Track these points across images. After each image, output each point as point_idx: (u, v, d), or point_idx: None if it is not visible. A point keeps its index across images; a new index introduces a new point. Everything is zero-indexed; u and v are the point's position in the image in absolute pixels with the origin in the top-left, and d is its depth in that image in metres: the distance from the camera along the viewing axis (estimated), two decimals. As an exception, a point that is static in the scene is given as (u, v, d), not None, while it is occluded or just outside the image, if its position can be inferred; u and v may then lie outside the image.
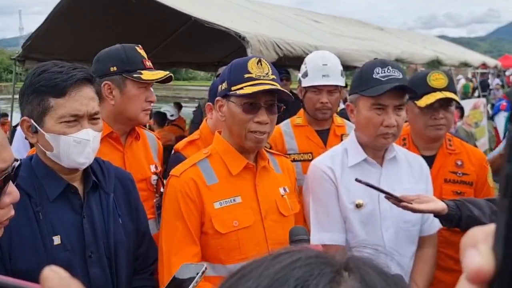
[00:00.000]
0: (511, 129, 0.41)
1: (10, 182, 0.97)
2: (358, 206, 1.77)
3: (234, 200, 1.59)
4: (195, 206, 1.55)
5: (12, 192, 0.98)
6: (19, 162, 1.03)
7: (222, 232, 1.55)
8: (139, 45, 2.10)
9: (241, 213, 1.58)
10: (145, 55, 2.08)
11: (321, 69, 2.52)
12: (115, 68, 1.95)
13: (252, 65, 1.59)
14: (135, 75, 1.94)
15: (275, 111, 1.62)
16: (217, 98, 1.66)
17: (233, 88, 1.57)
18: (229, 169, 1.62)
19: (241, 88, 1.55)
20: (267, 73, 1.60)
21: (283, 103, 1.64)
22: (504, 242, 0.36)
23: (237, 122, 1.58)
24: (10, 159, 0.96)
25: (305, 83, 2.57)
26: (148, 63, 2.06)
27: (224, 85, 1.62)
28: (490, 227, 0.39)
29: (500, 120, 5.44)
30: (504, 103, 5.57)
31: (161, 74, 2.02)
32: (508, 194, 0.37)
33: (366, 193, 1.72)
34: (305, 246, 0.73)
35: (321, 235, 1.78)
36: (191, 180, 1.57)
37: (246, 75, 1.57)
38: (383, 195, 1.66)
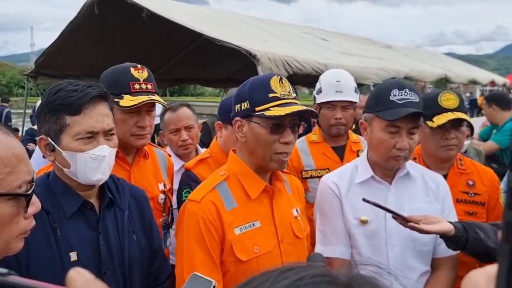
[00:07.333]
0: (511, 177, 0.41)
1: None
2: (363, 222, 1.77)
3: (253, 225, 1.53)
4: (217, 232, 1.48)
5: (35, 202, 1.01)
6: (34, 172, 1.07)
7: (243, 259, 1.49)
8: (138, 65, 1.98)
9: (261, 238, 1.53)
10: (142, 76, 1.95)
11: (335, 86, 2.57)
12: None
13: (275, 83, 1.51)
14: (116, 100, 1.85)
15: (297, 130, 1.56)
16: (236, 118, 1.57)
17: (257, 109, 1.49)
18: (248, 192, 1.56)
19: (267, 108, 1.48)
20: (289, 92, 1.53)
21: (304, 122, 1.61)
22: (506, 287, 0.37)
23: (263, 143, 1.51)
24: (32, 170, 0.99)
25: (319, 99, 2.63)
26: (138, 86, 1.93)
27: (246, 105, 1.52)
28: (491, 271, 0.39)
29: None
30: None
31: (138, 100, 1.88)
32: (509, 240, 0.38)
33: (372, 210, 1.72)
34: (310, 263, 0.74)
35: (325, 248, 1.79)
36: (213, 206, 1.50)
37: (271, 95, 1.49)
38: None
